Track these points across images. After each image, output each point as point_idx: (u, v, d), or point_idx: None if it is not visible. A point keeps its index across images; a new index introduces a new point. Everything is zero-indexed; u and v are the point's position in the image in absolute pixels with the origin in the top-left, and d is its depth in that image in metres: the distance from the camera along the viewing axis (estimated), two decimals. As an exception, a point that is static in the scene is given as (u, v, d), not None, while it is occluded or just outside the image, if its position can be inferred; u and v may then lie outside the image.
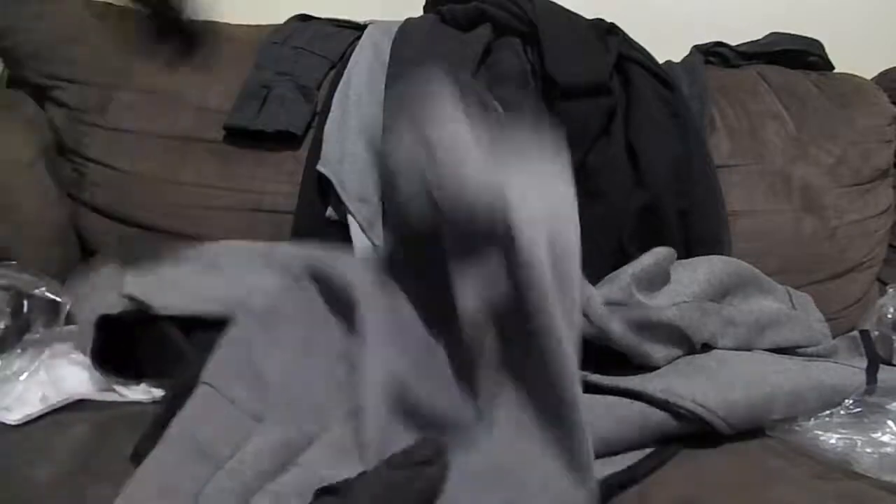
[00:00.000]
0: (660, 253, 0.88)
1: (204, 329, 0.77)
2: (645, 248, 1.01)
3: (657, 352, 0.76)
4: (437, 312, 0.75)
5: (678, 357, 0.79)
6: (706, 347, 0.83)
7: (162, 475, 0.57)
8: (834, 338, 0.92)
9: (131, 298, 0.76)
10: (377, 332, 0.71)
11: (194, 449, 0.59)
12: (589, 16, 1.15)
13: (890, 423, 0.72)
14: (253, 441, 0.61)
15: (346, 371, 0.75)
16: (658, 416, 0.70)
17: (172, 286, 0.80)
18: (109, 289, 0.78)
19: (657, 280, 0.84)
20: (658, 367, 0.77)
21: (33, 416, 0.70)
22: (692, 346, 0.80)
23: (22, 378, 0.74)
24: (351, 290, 0.76)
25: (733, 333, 0.83)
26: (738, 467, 0.68)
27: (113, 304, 0.75)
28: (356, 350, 0.74)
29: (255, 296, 0.81)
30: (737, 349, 0.83)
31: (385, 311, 0.74)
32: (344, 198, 1.00)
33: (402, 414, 0.63)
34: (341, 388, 0.72)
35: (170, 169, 1.07)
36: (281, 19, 1.21)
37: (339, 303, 0.78)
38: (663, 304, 0.79)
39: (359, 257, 0.81)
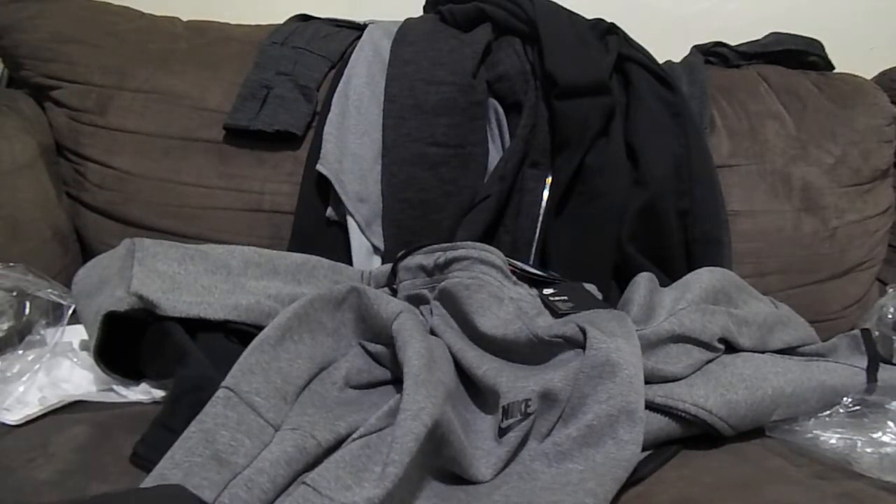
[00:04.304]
0: (645, 283, 0.88)
1: (207, 331, 0.77)
2: (645, 248, 1.02)
3: (673, 366, 0.75)
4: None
5: (702, 361, 0.78)
6: (731, 349, 0.81)
7: (180, 478, 0.57)
8: (833, 337, 0.92)
9: (139, 297, 0.76)
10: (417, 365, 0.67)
11: (212, 454, 0.59)
12: (589, 16, 1.15)
13: (890, 422, 0.71)
14: (270, 450, 0.61)
15: (379, 394, 0.74)
16: (659, 420, 0.70)
17: (180, 286, 0.79)
18: (117, 285, 0.78)
19: (653, 306, 0.84)
20: (684, 377, 0.76)
21: (33, 417, 0.70)
22: (707, 346, 0.78)
23: (23, 379, 0.74)
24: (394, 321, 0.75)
25: (748, 333, 0.83)
26: (738, 467, 0.68)
27: (120, 301, 0.75)
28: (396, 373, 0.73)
29: (265, 302, 0.81)
30: (753, 349, 0.82)
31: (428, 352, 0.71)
32: (343, 198, 1.01)
33: (428, 442, 0.61)
34: (362, 406, 0.71)
35: (170, 169, 1.07)
36: (281, 19, 1.21)
37: (380, 330, 0.76)
38: (660, 320, 0.78)
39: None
